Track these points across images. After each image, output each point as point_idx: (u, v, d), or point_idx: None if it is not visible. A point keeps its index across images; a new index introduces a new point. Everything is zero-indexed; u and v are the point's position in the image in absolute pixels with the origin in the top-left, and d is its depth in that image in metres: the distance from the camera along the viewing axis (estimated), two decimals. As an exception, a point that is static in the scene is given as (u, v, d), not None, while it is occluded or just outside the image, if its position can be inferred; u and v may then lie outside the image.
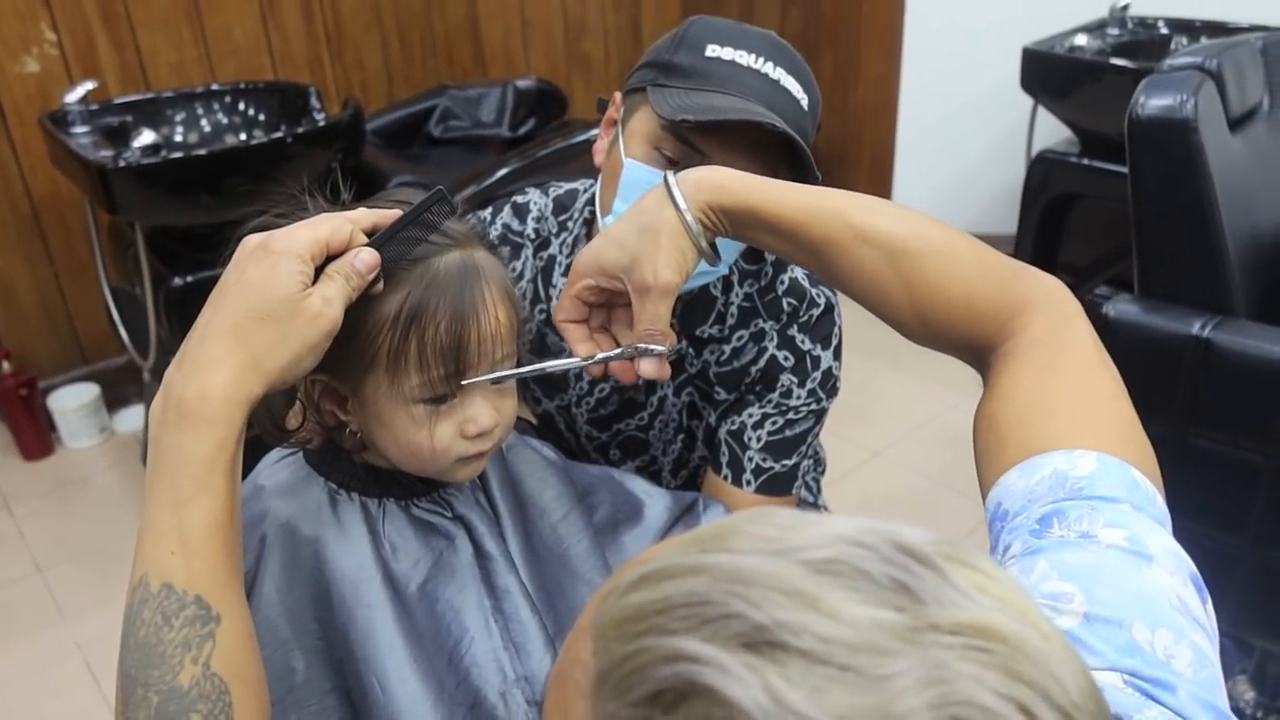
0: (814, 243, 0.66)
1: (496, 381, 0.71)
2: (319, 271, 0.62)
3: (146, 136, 2.06)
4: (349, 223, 0.64)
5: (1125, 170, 1.22)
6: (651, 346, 0.69)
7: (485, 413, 0.71)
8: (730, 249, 0.96)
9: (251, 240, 0.62)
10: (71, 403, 2.41)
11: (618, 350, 0.73)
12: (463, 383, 0.69)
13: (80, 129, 2.00)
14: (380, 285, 0.66)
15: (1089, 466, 0.53)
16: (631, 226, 0.69)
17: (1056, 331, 0.63)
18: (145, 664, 0.55)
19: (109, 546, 2.12)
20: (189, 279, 1.96)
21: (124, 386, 2.55)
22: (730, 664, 0.29)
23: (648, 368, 0.71)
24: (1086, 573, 0.48)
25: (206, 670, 0.55)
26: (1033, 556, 0.51)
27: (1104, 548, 0.49)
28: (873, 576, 0.30)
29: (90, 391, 2.44)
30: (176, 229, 2.05)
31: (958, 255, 0.65)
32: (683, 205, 0.66)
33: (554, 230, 1.08)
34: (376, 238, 0.65)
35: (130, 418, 2.53)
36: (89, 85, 2.01)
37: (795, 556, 0.31)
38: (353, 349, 0.67)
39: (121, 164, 1.83)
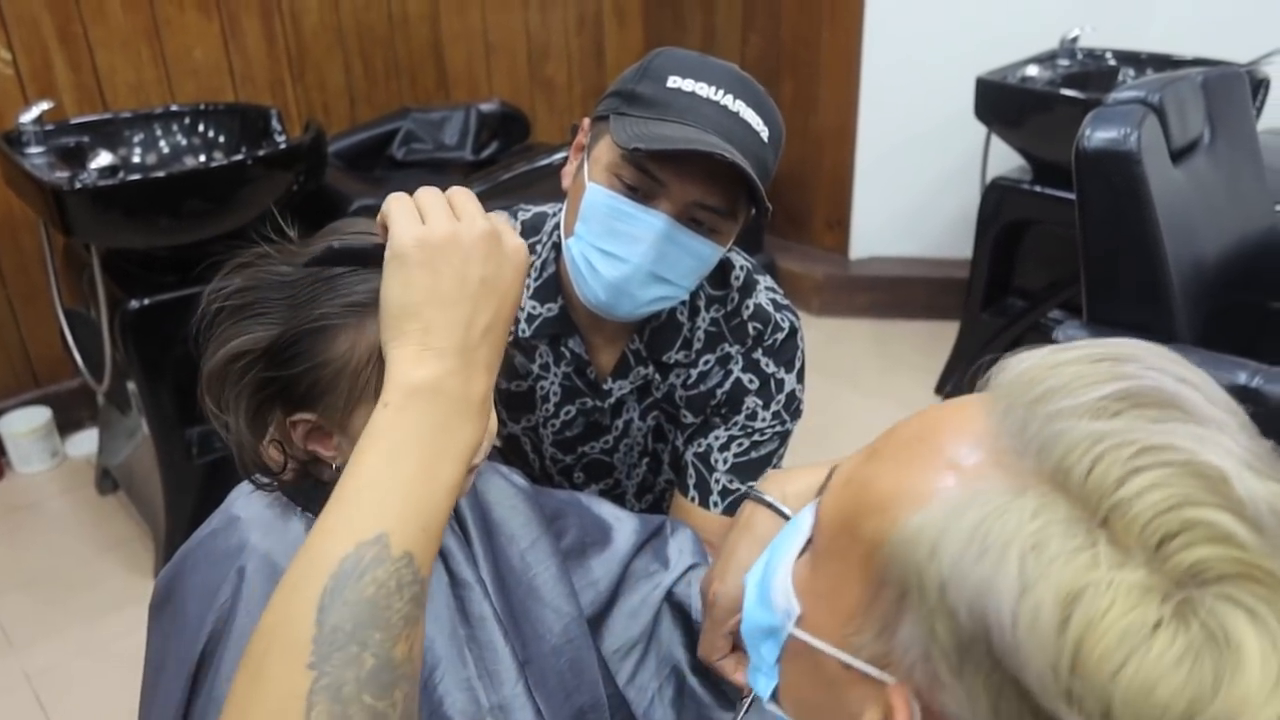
0: None
1: None
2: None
3: (104, 158, 2.02)
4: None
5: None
6: None
7: None
8: (693, 271, 0.97)
9: (480, 238, 0.64)
10: (22, 426, 2.36)
11: None
12: None
13: (35, 149, 1.97)
14: None
15: None
16: (750, 557, 0.67)
17: None
18: (369, 623, 0.52)
19: (60, 574, 2.07)
20: (145, 301, 1.92)
21: (77, 410, 2.50)
22: None
23: None
24: None
25: (413, 651, 0.54)
26: None
27: None
28: None
29: (42, 415, 2.39)
30: (134, 251, 2.02)
31: None
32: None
33: (521, 255, 1.09)
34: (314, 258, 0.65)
35: (83, 442, 2.48)
36: (45, 105, 1.98)
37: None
38: (340, 387, 0.67)
39: (78, 185, 1.80)
